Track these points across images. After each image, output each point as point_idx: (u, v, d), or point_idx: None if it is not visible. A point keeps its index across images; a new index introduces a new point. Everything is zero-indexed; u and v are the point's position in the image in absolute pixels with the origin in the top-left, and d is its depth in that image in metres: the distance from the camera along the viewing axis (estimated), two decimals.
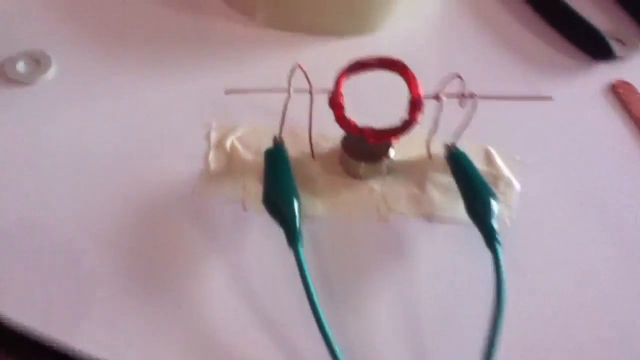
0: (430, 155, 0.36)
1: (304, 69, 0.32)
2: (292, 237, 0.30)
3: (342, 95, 0.33)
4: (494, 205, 0.32)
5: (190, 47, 0.43)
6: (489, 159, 0.37)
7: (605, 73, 0.43)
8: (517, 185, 0.36)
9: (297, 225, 0.30)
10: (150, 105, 0.39)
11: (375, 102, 0.38)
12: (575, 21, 0.44)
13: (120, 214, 0.33)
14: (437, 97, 0.33)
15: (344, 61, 0.33)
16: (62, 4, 0.45)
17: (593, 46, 0.43)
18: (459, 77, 0.33)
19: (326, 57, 0.42)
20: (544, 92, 0.42)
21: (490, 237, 0.31)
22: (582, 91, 0.42)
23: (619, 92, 0.41)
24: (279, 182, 0.32)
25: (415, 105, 0.33)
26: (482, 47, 0.44)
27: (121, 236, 0.33)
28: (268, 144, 0.35)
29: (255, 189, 0.34)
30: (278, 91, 0.33)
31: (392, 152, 0.35)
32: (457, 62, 0.43)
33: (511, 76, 0.43)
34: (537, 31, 0.46)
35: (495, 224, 0.31)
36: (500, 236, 0.31)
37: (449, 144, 0.35)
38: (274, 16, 0.43)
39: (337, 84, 0.33)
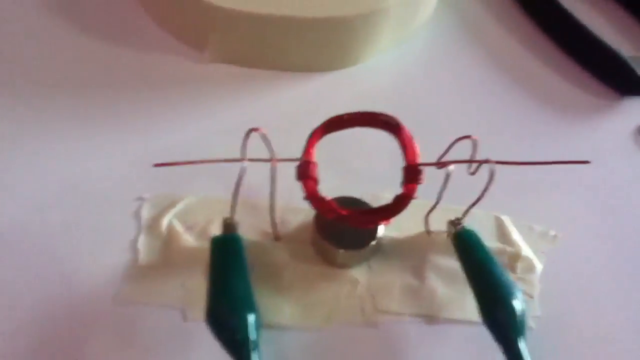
0: (429, 232, 0.28)
1: (263, 131, 0.24)
2: None
3: (313, 164, 0.25)
4: (519, 310, 0.23)
5: (127, 91, 0.33)
6: (502, 231, 0.29)
7: (634, 111, 0.35)
8: (539, 266, 0.28)
9: (252, 356, 0.22)
10: (68, 171, 0.30)
11: (359, 155, 0.29)
12: (597, 50, 0.36)
13: (17, 324, 0.24)
14: (441, 164, 0.25)
15: (319, 102, 0.25)
16: None
17: (620, 79, 0.36)
18: (470, 138, 0.25)
19: (298, 96, 0.34)
20: (563, 137, 0.34)
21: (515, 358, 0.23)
22: (609, 135, 0.34)
23: None
24: (227, 291, 0.23)
25: (411, 175, 0.25)
26: (486, 83, 0.36)
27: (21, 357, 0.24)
28: (218, 222, 0.26)
29: (199, 288, 0.25)
30: (225, 161, 0.24)
31: (381, 230, 0.27)
32: (456, 102, 0.35)
33: (521, 119, 0.34)
34: (552, 63, 0.37)
35: (523, 343, 0.23)
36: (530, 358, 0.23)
37: (455, 220, 0.27)
38: (231, 51, 0.34)
39: (307, 149, 0.25)
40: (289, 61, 0.34)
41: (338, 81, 0.35)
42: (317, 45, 0.33)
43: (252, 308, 0.23)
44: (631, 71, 0.35)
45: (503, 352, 0.23)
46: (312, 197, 0.24)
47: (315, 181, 0.25)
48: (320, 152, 0.25)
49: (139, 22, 0.37)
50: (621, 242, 0.30)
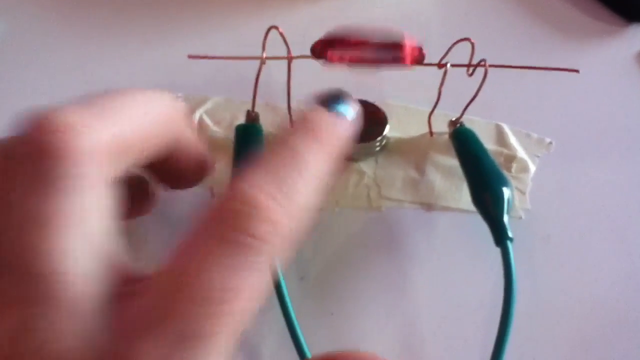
0: (431, 133, 0.31)
1: (283, 31, 0.27)
2: None
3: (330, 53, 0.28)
4: (506, 195, 0.26)
5: (157, 9, 0.37)
6: (500, 137, 0.32)
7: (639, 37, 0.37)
8: (533, 168, 0.31)
9: None
10: (109, 75, 0.34)
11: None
12: None
13: None
14: (441, 65, 0.28)
15: (334, 24, 0.28)
16: None
17: (626, 6, 0.37)
18: (469, 41, 0.27)
19: (312, 19, 0.37)
20: (569, 60, 0.36)
21: (500, 234, 0.26)
22: (612, 59, 0.36)
23: None
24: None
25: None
26: (495, 7, 0.38)
27: None
28: (242, 119, 0.30)
29: (226, 171, 0.29)
30: (249, 58, 0.27)
31: (387, 128, 0.30)
32: (467, 24, 0.37)
33: (530, 41, 0.37)
34: None
35: (506, 219, 0.26)
36: (511, 232, 0.26)
37: (454, 120, 0.30)
38: None
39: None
40: None
41: (352, 5, 0.38)
42: None
43: None
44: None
45: (490, 229, 0.26)
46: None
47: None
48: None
49: None
50: (612, 151, 0.32)
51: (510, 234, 0.25)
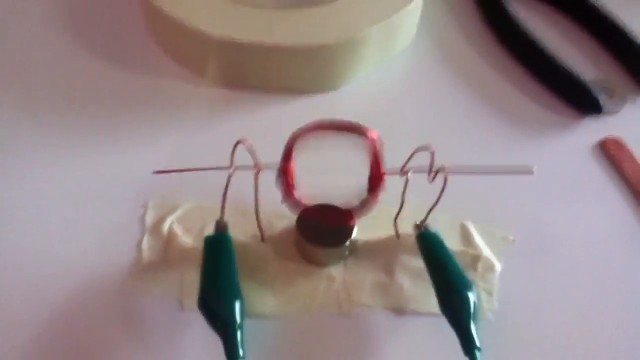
0: (398, 235, 0.32)
1: (249, 142, 0.28)
2: (231, 350, 0.25)
3: (291, 169, 0.29)
4: (472, 300, 0.27)
5: (131, 111, 0.38)
6: (465, 236, 0.33)
7: (594, 129, 0.39)
8: (498, 267, 0.31)
9: (236, 334, 0.25)
10: (78, 180, 0.34)
11: (336, 173, 0.33)
12: (559, 72, 0.39)
13: (32, 315, 0.28)
14: (402, 172, 0.29)
15: (303, 121, 0.29)
16: None
17: (579, 100, 0.39)
18: (428, 149, 0.28)
19: (284, 116, 0.38)
20: (528, 152, 0.37)
21: (468, 344, 0.26)
22: (569, 151, 0.37)
23: (608, 150, 0.37)
24: (216, 281, 0.27)
25: (375, 182, 0.29)
26: (457, 103, 0.40)
27: (33, 343, 0.28)
28: (212, 226, 0.30)
29: (195, 282, 0.28)
30: (216, 169, 0.28)
31: (354, 232, 0.31)
32: (430, 121, 0.39)
33: (491, 136, 0.38)
34: (518, 84, 0.41)
35: (473, 326, 0.26)
36: (479, 340, 0.26)
37: (419, 224, 0.31)
38: (226, 75, 0.39)
39: (286, 154, 0.29)
40: (276, 84, 0.38)
41: (321, 103, 0.39)
42: (301, 70, 0.38)
43: (237, 295, 0.27)
44: (589, 93, 0.38)
45: (457, 336, 0.26)
46: (287, 194, 0.28)
47: (290, 185, 0.28)
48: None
49: (147, 49, 0.41)
50: (575, 242, 0.33)
51: (477, 343, 0.26)
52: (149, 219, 0.32)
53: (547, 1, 0.47)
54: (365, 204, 0.31)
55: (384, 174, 0.29)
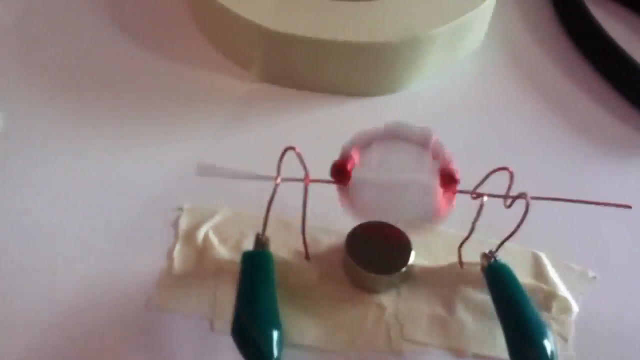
0: (461, 264, 0.28)
1: (298, 150, 0.24)
2: None
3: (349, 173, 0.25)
4: (549, 350, 0.23)
5: (172, 103, 0.35)
6: (538, 268, 0.28)
7: None
8: (576, 308, 0.27)
9: None
10: (112, 175, 0.31)
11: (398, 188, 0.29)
12: None
13: (43, 330, 0.25)
14: (476, 194, 0.25)
15: (356, 127, 0.25)
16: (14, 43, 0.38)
17: None
18: (507, 170, 0.24)
19: (335, 119, 0.35)
20: (608, 175, 0.33)
21: None
22: None
23: None
24: (254, 306, 0.23)
25: (445, 198, 0.25)
26: (528, 115, 0.36)
27: (49, 357, 0.25)
28: (251, 237, 0.27)
29: (229, 300, 0.25)
30: (262, 178, 0.25)
31: (412, 256, 0.27)
32: (497, 134, 0.34)
33: (566, 154, 0.34)
34: (599, 96, 0.36)
35: None
36: None
37: (488, 253, 0.27)
38: (274, 70, 0.35)
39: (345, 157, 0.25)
40: (330, 84, 0.35)
41: (377, 107, 0.35)
42: (358, 70, 0.34)
43: (276, 325, 0.23)
44: None
45: None
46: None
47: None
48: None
49: (193, 40, 0.38)
50: None
51: None
52: (183, 224, 0.29)
53: (634, 7, 0.42)
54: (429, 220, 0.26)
55: (456, 191, 0.25)
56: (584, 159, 0.34)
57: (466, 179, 0.25)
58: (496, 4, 0.38)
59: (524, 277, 0.28)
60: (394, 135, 0.25)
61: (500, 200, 0.25)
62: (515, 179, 0.25)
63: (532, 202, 0.24)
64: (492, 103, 0.36)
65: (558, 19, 0.41)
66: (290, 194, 0.25)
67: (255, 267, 0.25)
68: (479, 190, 0.25)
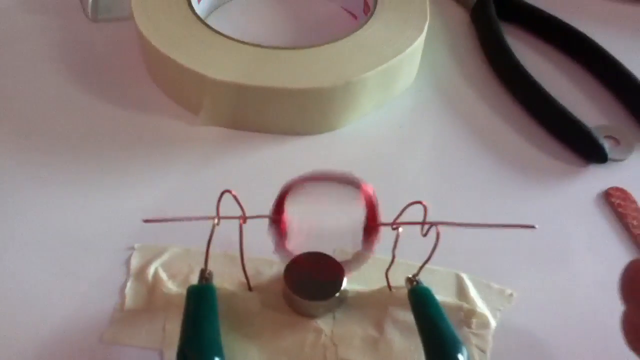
0: (390, 287, 0.31)
1: (234, 193, 0.27)
2: None
3: (284, 219, 0.28)
4: None
5: (122, 149, 0.37)
6: (460, 288, 0.31)
7: (598, 178, 0.37)
8: (493, 323, 0.30)
9: None
10: (63, 221, 0.33)
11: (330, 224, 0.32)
12: (563, 118, 0.38)
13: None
14: (394, 225, 0.28)
15: (299, 163, 0.28)
16: None
17: (584, 147, 0.38)
18: (421, 204, 0.27)
19: (280, 157, 0.38)
20: (529, 201, 0.36)
21: None
22: (572, 200, 0.36)
23: (612, 201, 0.36)
24: (197, 336, 0.26)
25: (370, 233, 0.28)
26: (458, 148, 0.39)
27: None
28: (198, 272, 0.29)
29: (178, 332, 0.27)
30: (202, 219, 0.27)
31: (344, 282, 0.30)
32: (430, 167, 0.38)
33: (492, 183, 0.37)
34: (521, 129, 0.40)
35: None
36: None
37: (411, 277, 0.30)
38: (222, 114, 0.38)
39: (278, 205, 0.28)
40: (272, 125, 0.38)
41: (317, 144, 0.38)
42: (297, 112, 0.37)
43: (218, 353, 0.26)
44: (594, 141, 0.37)
45: None
46: (279, 248, 0.27)
47: (282, 233, 0.28)
48: None
49: (147, 89, 0.41)
50: (576, 296, 0.32)
51: None
52: (135, 262, 0.31)
53: (553, 44, 0.46)
54: (359, 255, 0.30)
55: (379, 225, 0.28)
56: (508, 186, 0.37)
57: (398, 210, 0.28)
58: (425, 44, 0.42)
59: (448, 296, 0.31)
60: (326, 178, 0.29)
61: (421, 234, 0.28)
62: (450, 207, 0.28)
63: (457, 229, 0.27)
64: (423, 139, 0.40)
65: (483, 58, 0.45)
66: (235, 230, 0.28)
67: (199, 299, 0.28)
68: (399, 221, 0.28)
